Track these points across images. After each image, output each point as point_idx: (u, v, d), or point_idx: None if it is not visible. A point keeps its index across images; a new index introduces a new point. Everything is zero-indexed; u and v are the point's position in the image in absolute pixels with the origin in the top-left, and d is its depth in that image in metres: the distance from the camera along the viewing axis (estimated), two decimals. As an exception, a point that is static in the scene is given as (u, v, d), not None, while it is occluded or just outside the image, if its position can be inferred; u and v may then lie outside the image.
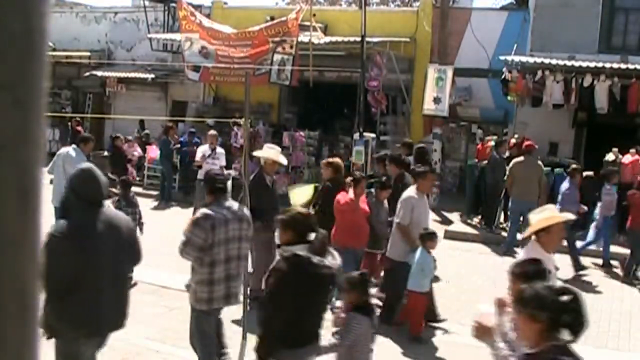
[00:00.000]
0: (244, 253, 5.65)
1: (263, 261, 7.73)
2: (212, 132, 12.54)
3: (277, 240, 7.15)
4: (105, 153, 17.41)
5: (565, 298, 2.95)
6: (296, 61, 15.29)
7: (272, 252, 7.76)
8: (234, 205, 5.68)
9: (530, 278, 3.57)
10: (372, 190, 8.47)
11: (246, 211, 5.86)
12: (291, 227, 4.30)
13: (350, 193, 7.87)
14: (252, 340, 6.69)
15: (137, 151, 14.92)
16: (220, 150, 12.12)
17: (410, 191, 7.85)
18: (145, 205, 13.45)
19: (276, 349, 4.11)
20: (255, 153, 8.84)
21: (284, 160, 8.65)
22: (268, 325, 4.19)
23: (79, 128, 18.38)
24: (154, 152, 16.57)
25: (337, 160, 8.99)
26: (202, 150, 12.40)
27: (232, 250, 5.40)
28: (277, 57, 15.37)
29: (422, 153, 10.82)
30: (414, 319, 7.31)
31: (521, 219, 11.72)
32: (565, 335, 2.90)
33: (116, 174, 13.59)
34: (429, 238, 7.38)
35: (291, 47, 15.27)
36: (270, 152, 8.51)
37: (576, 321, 2.91)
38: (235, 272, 5.49)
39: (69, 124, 19.08)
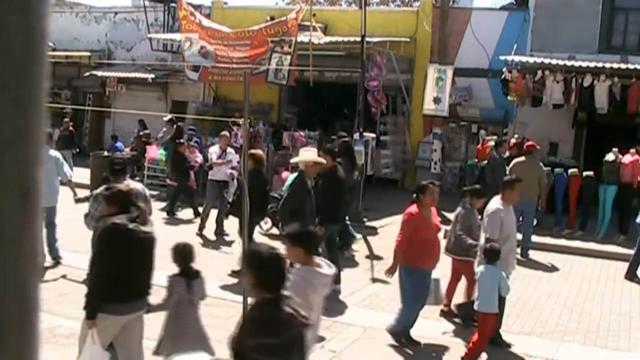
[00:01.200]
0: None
1: None
2: (224, 133, 12.62)
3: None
4: (105, 153, 17.42)
5: (269, 259, 3.62)
6: (294, 61, 15.30)
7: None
8: (132, 183, 6.82)
9: (297, 241, 4.41)
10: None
11: (144, 189, 6.94)
12: (114, 201, 5.00)
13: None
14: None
15: (199, 157, 14.32)
16: (230, 150, 12.15)
17: (496, 203, 7.26)
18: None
19: (102, 304, 4.72)
20: (294, 160, 8.65)
21: (323, 160, 8.41)
22: (94, 284, 4.80)
23: (71, 128, 18.38)
24: (154, 152, 16.56)
25: (258, 151, 9.53)
26: (213, 151, 12.42)
27: None
28: (275, 57, 15.39)
29: (347, 147, 11.38)
30: (477, 343, 6.59)
31: (520, 218, 11.73)
32: (272, 290, 3.55)
33: (177, 180, 13.51)
34: (493, 256, 6.67)
35: (290, 46, 15.27)
36: (308, 154, 8.33)
37: (277, 279, 3.58)
38: None
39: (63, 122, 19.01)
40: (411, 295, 6.82)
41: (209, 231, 11.86)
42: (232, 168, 11.86)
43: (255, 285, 3.60)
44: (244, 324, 3.77)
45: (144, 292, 5.05)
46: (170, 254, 5.23)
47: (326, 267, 4.48)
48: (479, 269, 6.81)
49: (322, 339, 7.07)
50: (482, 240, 7.11)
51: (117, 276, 4.73)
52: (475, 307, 6.63)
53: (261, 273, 3.58)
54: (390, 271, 6.88)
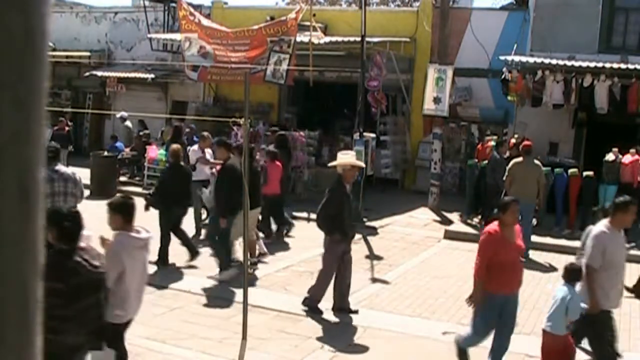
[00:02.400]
0: (70, 205, 6.32)
1: (332, 273, 7.73)
2: (206, 134, 12.36)
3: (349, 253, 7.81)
4: (105, 153, 17.42)
5: (66, 215, 4.26)
6: (292, 61, 15.30)
7: (346, 265, 7.85)
8: (63, 168, 7.30)
9: (116, 210, 4.98)
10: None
11: (74, 174, 7.20)
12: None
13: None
14: (252, 340, 6.70)
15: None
16: (208, 151, 11.83)
17: (603, 226, 6.28)
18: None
19: None
20: (332, 164, 8.52)
21: (362, 164, 8.28)
22: None
23: (66, 127, 18.38)
24: (153, 152, 16.56)
25: (177, 146, 10.02)
26: (193, 150, 12.20)
27: (57, 202, 6.48)
28: (273, 56, 15.39)
29: (282, 140, 12.17)
30: None
31: (519, 218, 11.72)
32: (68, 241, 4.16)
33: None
34: (572, 275, 6.17)
35: (288, 46, 15.27)
36: (346, 157, 8.16)
37: (72, 232, 4.19)
38: None
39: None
40: (482, 320, 6.18)
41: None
42: (210, 169, 11.56)
43: (56, 238, 4.13)
44: None
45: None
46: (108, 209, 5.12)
47: (143, 232, 5.03)
48: (557, 286, 6.32)
49: (322, 339, 7.08)
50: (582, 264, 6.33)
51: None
52: (542, 324, 6.19)
53: (60, 227, 4.13)
54: (472, 299, 6.14)
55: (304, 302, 7.89)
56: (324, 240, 7.90)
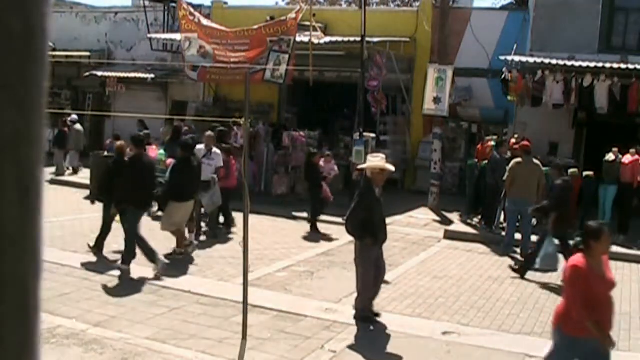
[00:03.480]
0: None
1: (371, 278, 7.61)
2: (209, 133, 12.35)
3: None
4: (106, 153, 17.40)
5: None
6: (292, 60, 15.30)
7: (380, 271, 7.76)
8: None
9: None
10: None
11: None
12: None
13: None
14: (252, 340, 6.70)
15: (334, 169, 13.84)
16: (216, 151, 11.85)
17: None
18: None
19: None
20: (360, 167, 8.39)
21: (392, 167, 8.13)
22: None
23: (65, 128, 18.37)
24: (153, 152, 16.55)
25: (121, 143, 10.19)
26: (198, 149, 12.21)
27: None
28: (273, 56, 15.39)
29: (222, 135, 12.76)
30: None
31: (519, 218, 11.73)
32: None
33: (310, 192, 13.26)
34: None
35: (288, 46, 15.27)
36: (376, 161, 7.97)
37: None
38: None
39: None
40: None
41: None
42: (216, 169, 11.45)
43: None
44: None
45: None
46: None
47: None
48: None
49: (322, 339, 7.08)
50: None
51: None
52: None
53: None
54: (607, 342, 4.96)
55: (356, 317, 7.63)
56: (354, 246, 7.79)
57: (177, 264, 9.63)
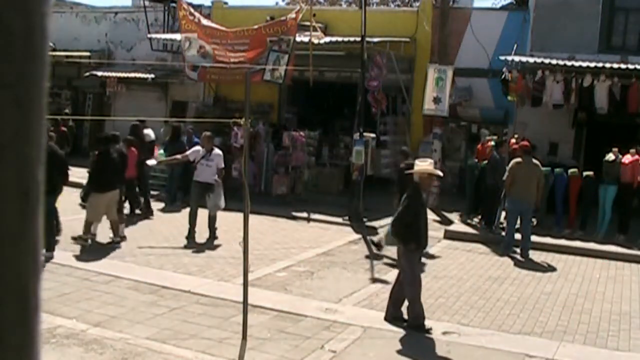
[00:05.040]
0: None
1: (418, 282, 7.56)
2: (208, 133, 12.16)
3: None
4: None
5: None
6: (291, 60, 15.29)
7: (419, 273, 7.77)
8: None
9: None
10: None
11: None
12: None
13: None
14: (252, 340, 6.70)
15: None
16: (216, 151, 11.63)
17: None
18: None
19: None
20: (409, 171, 8.28)
21: (440, 173, 8.04)
22: None
23: (64, 128, 18.34)
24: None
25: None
26: (198, 150, 12.08)
27: None
28: (272, 56, 15.38)
29: (175, 130, 14.08)
30: None
31: (519, 218, 11.74)
32: None
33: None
34: None
35: (288, 45, 15.27)
36: (424, 165, 7.91)
37: None
38: None
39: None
40: None
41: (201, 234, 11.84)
42: (218, 169, 11.22)
43: None
44: None
45: None
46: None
47: None
48: None
49: (322, 339, 7.08)
50: None
51: None
52: None
53: None
54: None
55: (411, 326, 7.48)
56: (397, 250, 7.79)
57: (177, 264, 9.63)
